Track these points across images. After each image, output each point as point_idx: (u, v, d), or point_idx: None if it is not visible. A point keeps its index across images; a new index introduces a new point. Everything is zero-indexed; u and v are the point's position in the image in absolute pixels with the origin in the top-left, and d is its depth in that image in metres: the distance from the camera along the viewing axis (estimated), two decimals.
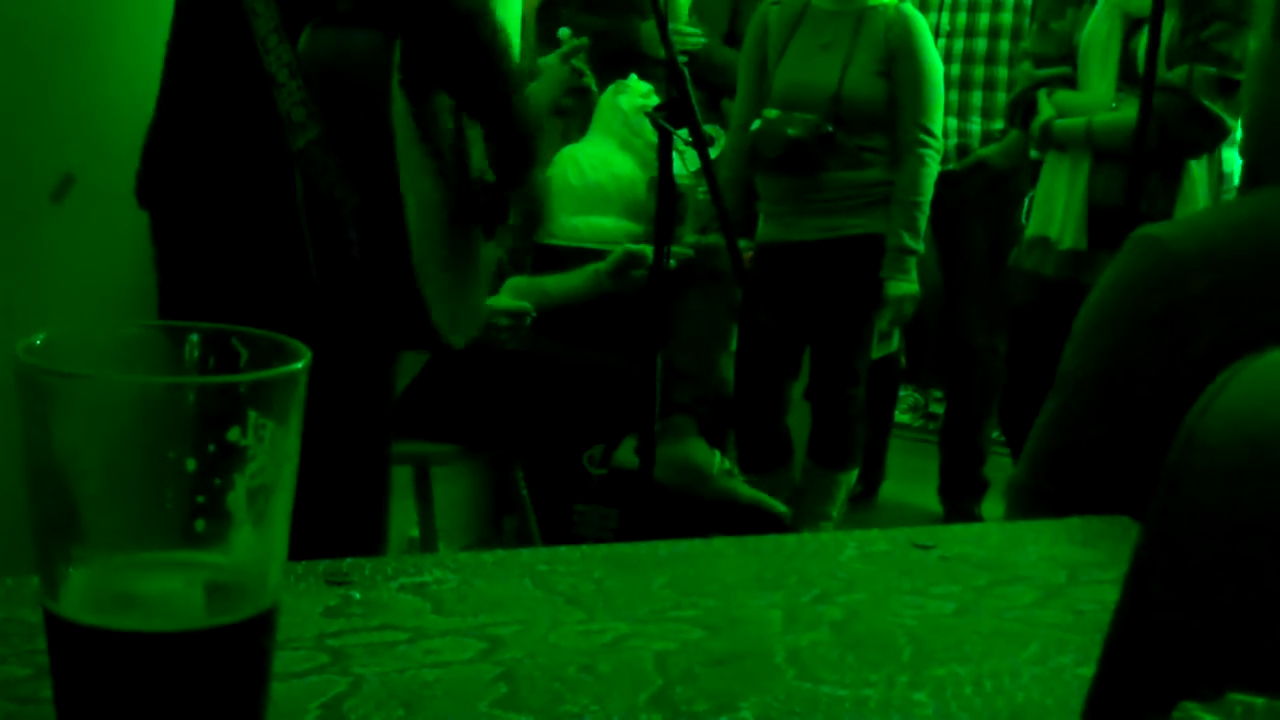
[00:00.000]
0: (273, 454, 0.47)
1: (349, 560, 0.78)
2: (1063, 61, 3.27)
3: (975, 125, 3.84)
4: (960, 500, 4.04)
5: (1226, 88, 2.98)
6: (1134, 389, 1.22)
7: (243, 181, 1.71)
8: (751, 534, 0.92)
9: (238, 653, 0.48)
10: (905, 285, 3.36)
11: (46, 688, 0.50)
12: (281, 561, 0.50)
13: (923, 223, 3.39)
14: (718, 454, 3.26)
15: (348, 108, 1.65)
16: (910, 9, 3.44)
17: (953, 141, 3.77)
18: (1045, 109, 3.24)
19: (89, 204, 2.36)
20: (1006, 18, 3.82)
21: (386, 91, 1.64)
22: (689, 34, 3.79)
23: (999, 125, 3.81)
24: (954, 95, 3.77)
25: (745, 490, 3.25)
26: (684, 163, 2.76)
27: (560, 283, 2.98)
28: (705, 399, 3.28)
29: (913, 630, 0.76)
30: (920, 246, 3.39)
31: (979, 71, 3.85)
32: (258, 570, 0.49)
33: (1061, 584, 0.85)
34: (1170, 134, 3.00)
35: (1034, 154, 3.45)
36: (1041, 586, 0.85)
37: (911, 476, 4.41)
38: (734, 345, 3.62)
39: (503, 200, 1.91)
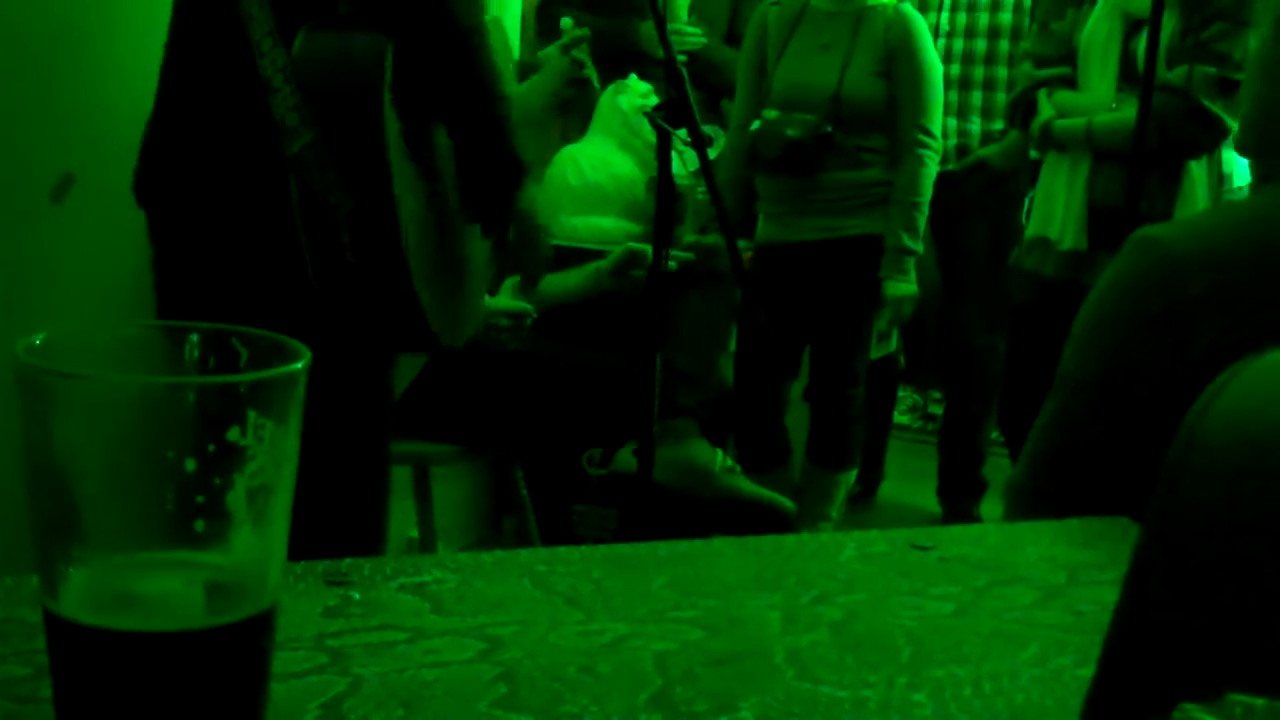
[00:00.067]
0: (272, 454, 0.47)
1: (348, 560, 0.78)
2: (1063, 62, 3.27)
3: (975, 125, 3.84)
4: (959, 501, 4.04)
5: (1226, 88, 2.98)
6: (1134, 389, 1.22)
7: (238, 184, 1.71)
8: (756, 531, 0.93)
9: (237, 653, 0.48)
10: (904, 286, 3.36)
11: (46, 687, 0.50)
12: (281, 561, 0.50)
13: (922, 223, 3.40)
14: (720, 453, 3.26)
15: (341, 113, 1.65)
16: (909, 9, 3.44)
17: (952, 142, 3.77)
18: (1045, 109, 3.24)
19: (89, 204, 2.36)
20: (1006, 18, 3.82)
21: (380, 96, 1.64)
22: (688, 34, 3.79)
23: (999, 125, 3.81)
24: (953, 95, 3.77)
25: (749, 487, 3.25)
26: (683, 163, 2.76)
27: (560, 282, 2.98)
28: (706, 400, 3.28)
29: (912, 631, 0.76)
30: (919, 247, 3.40)
31: (979, 72, 3.85)
32: (257, 570, 0.49)
33: (1061, 585, 0.85)
34: (1170, 134, 3.00)
35: (1034, 154, 3.45)
36: (1041, 587, 0.85)
37: (910, 477, 4.41)
38: (733, 346, 3.62)
39: (501, 199, 1.91)
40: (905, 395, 5.14)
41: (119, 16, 2.42)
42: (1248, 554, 0.48)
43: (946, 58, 3.76)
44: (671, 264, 2.39)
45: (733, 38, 3.88)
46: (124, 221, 1.96)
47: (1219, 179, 3.18)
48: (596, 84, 2.96)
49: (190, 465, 0.46)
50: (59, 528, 0.47)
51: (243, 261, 1.73)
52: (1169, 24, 2.95)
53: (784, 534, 1.09)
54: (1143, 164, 2.63)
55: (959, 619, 0.78)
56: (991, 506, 3.96)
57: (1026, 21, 3.71)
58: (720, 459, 3.23)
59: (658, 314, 2.20)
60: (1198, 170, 3.11)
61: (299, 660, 0.66)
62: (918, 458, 4.59)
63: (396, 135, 1.69)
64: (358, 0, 1.66)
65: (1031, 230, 3.30)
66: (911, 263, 3.37)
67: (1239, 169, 3.12)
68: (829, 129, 3.33)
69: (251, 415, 0.46)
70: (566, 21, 2.91)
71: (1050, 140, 3.23)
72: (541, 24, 3.75)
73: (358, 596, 0.74)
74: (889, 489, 4.39)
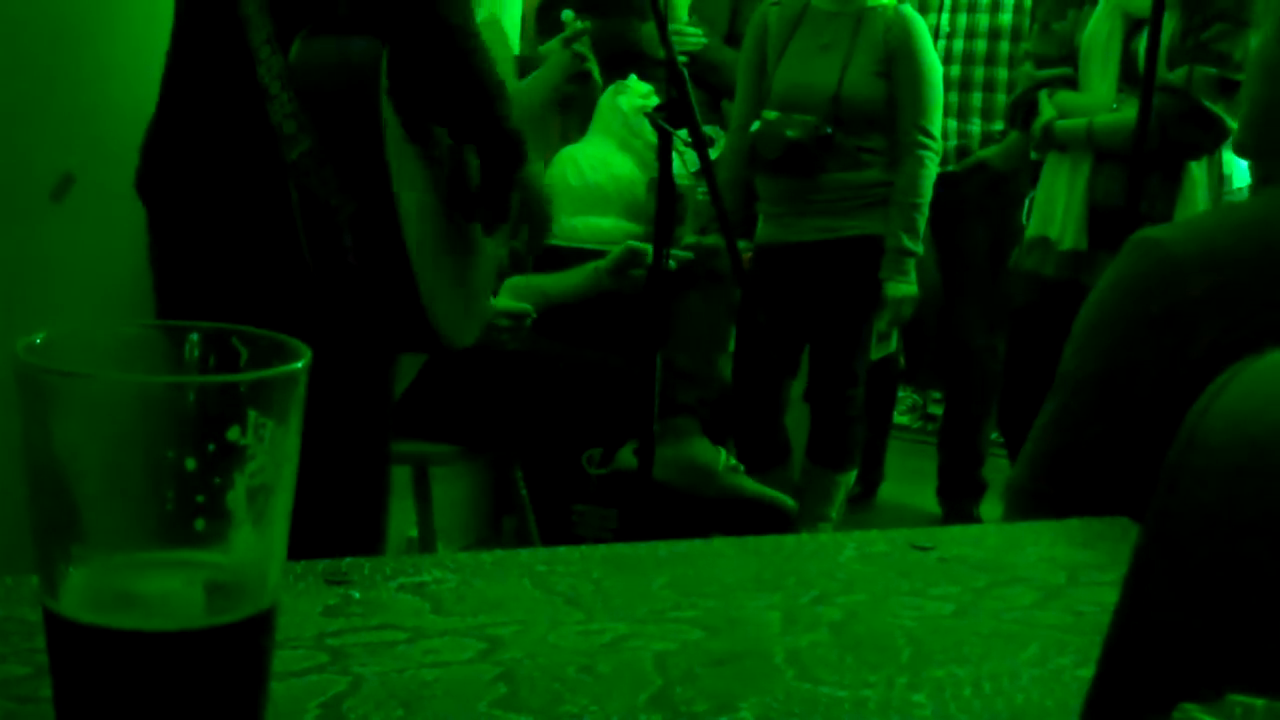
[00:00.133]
0: (273, 453, 0.47)
1: (348, 560, 0.78)
2: (1064, 62, 3.27)
3: (975, 126, 3.84)
4: (959, 501, 4.04)
5: (1227, 88, 2.98)
6: (1134, 390, 1.22)
7: (239, 187, 1.71)
8: (758, 530, 0.93)
9: (237, 652, 0.48)
10: (904, 286, 3.36)
11: (46, 686, 0.50)
12: (281, 561, 0.50)
13: (922, 224, 3.40)
14: (722, 451, 3.26)
15: (339, 118, 1.65)
16: (909, 10, 3.45)
17: (953, 143, 3.77)
18: (1046, 110, 3.24)
19: (89, 204, 2.36)
20: (1006, 19, 3.82)
21: (376, 101, 1.64)
22: (689, 34, 3.79)
23: (999, 126, 3.81)
24: (954, 96, 3.77)
25: (751, 485, 3.25)
26: (684, 163, 2.76)
27: (559, 282, 2.98)
28: (706, 399, 3.28)
29: (911, 631, 0.76)
30: (919, 248, 3.40)
31: (979, 73, 3.85)
32: (257, 570, 0.49)
33: (1061, 585, 0.85)
34: (1170, 135, 3.00)
35: (1034, 155, 3.45)
36: (1041, 588, 0.85)
37: (910, 478, 4.41)
38: (732, 346, 3.62)
39: (502, 198, 1.91)
40: (905, 395, 5.15)
41: (119, 16, 2.42)
42: (1248, 554, 0.48)
43: (947, 59, 3.76)
44: (671, 264, 2.38)
45: (733, 38, 3.88)
46: (124, 221, 1.96)
47: (1219, 180, 3.18)
48: (598, 78, 2.96)
49: (190, 464, 0.46)
50: (59, 527, 0.47)
51: (244, 261, 1.73)
52: (1169, 24, 2.96)
53: (784, 534, 1.09)
54: (1143, 164, 2.63)
55: (959, 619, 0.78)
56: (991, 507, 3.96)
57: (1026, 22, 3.71)
58: (723, 458, 3.23)
59: (658, 314, 2.20)
60: (1198, 171, 3.11)
61: (299, 659, 0.66)
62: (918, 458, 4.59)
63: (396, 138, 1.69)
64: (353, 3, 1.67)
65: (1031, 230, 3.30)
66: (912, 264, 3.37)
67: (1239, 170, 3.12)
68: (829, 130, 3.33)
69: (252, 414, 0.46)
70: (568, 14, 2.90)
71: (1051, 140, 3.23)
72: (542, 24, 3.75)
73: (358, 596, 0.74)
74: (889, 489, 4.39)
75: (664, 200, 2.17)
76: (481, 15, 1.89)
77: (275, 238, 1.68)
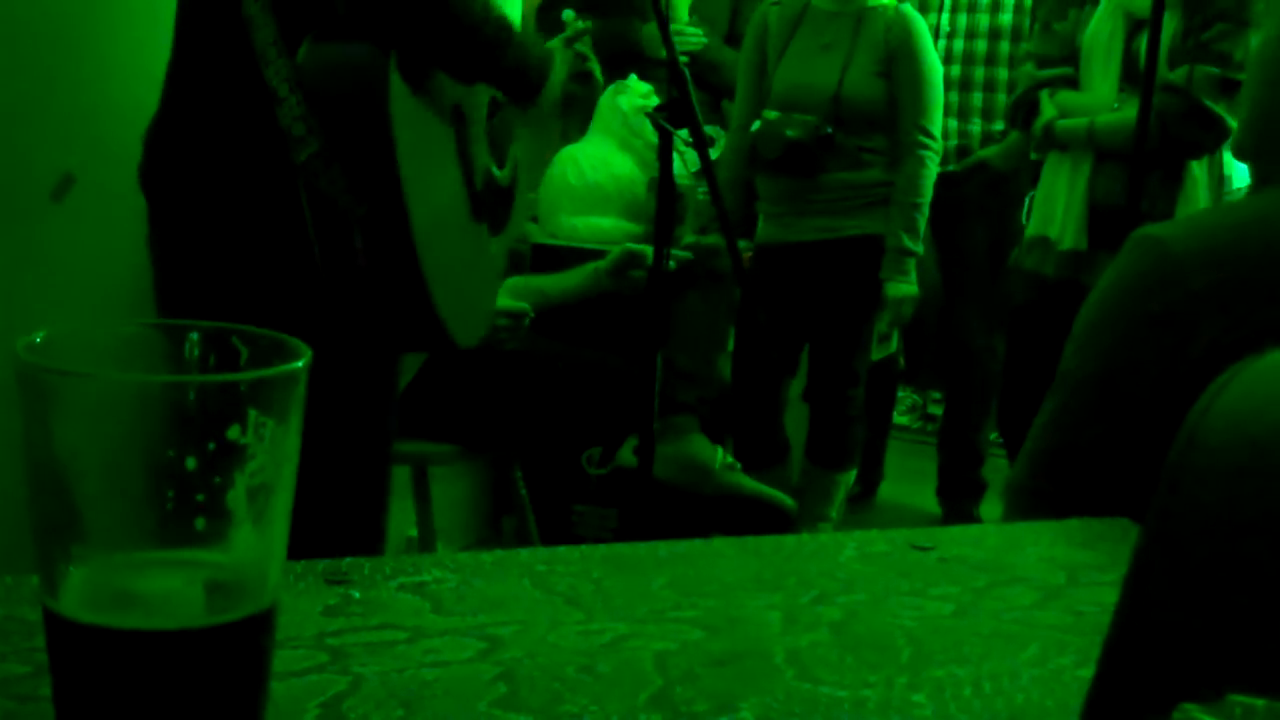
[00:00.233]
0: (273, 453, 0.47)
1: (348, 560, 0.78)
2: (1065, 62, 3.27)
3: (975, 126, 3.84)
4: (959, 501, 4.04)
5: (1228, 88, 2.98)
6: (1134, 389, 1.22)
7: (247, 187, 1.71)
8: (757, 528, 0.93)
9: (237, 651, 0.48)
10: (904, 286, 3.36)
11: (46, 686, 0.50)
12: (281, 560, 0.50)
13: (922, 224, 3.40)
14: (720, 450, 3.26)
15: (346, 121, 1.65)
16: (910, 10, 3.44)
17: (953, 143, 3.77)
18: (1047, 109, 3.24)
19: (89, 204, 2.36)
20: (1006, 19, 3.82)
21: (384, 103, 1.64)
22: (689, 34, 3.79)
23: (999, 126, 3.81)
24: (954, 96, 3.77)
25: (749, 484, 3.25)
26: (684, 163, 2.76)
27: (559, 282, 2.98)
28: (706, 398, 3.28)
29: (911, 631, 0.76)
30: (919, 248, 3.40)
31: (979, 73, 3.85)
32: (257, 569, 0.49)
33: (1061, 585, 0.85)
34: (1171, 134, 3.00)
35: (1034, 155, 3.45)
36: (1040, 588, 0.85)
37: (910, 478, 4.42)
38: (731, 345, 3.62)
39: (507, 198, 1.91)
40: (905, 396, 5.15)
41: (119, 16, 2.42)
42: (1248, 554, 0.48)
43: (947, 59, 3.76)
44: (671, 264, 2.38)
45: (733, 38, 3.88)
46: (124, 221, 1.96)
47: (1220, 179, 3.19)
48: (600, 77, 2.95)
49: (190, 464, 0.46)
50: (59, 527, 0.47)
51: (251, 261, 1.73)
52: (1170, 24, 2.96)
53: (784, 534, 1.10)
54: (1144, 164, 2.63)
55: (959, 619, 0.78)
56: (991, 507, 3.96)
57: (1027, 22, 3.71)
58: (720, 456, 3.23)
59: (658, 313, 2.20)
60: (1199, 170, 3.12)
61: (299, 659, 0.66)
62: (917, 458, 4.59)
63: (405, 126, 1.69)
64: (351, 3, 1.66)
65: (1032, 230, 3.30)
66: (912, 263, 3.37)
67: (1239, 170, 3.12)
68: (829, 129, 3.33)
69: (252, 414, 0.46)
70: (569, 14, 2.90)
71: (1052, 140, 3.23)
72: (542, 24, 3.75)
73: (358, 595, 0.74)
74: (889, 489, 4.39)
75: (664, 200, 2.17)
76: None
77: (283, 238, 1.68)
